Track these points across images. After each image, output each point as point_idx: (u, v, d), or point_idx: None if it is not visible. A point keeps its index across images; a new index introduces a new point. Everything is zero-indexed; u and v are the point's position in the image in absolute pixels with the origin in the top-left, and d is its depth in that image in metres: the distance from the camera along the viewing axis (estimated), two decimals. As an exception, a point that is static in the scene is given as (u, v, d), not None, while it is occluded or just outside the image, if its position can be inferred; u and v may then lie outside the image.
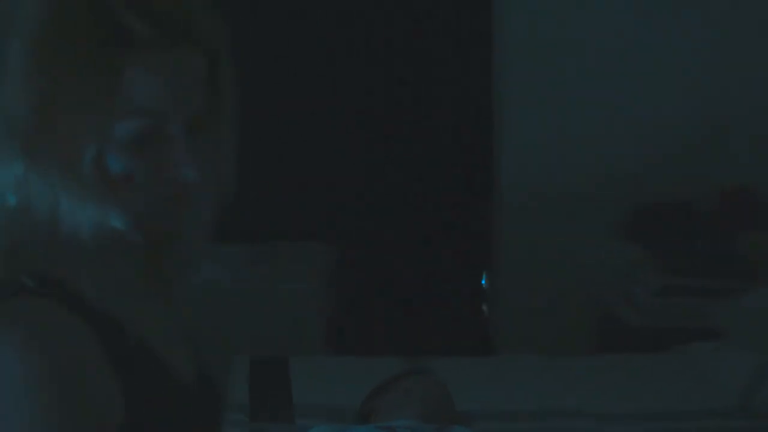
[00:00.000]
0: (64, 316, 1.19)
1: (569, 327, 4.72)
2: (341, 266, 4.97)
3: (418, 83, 5.16)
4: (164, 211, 1.26)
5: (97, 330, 1.20)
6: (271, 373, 3.44)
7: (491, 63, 4.84)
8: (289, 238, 5.01)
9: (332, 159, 5.16)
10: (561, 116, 4.69)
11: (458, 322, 5.21)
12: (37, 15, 1.19)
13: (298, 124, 5.10)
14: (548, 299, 4.75)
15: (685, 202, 4.57)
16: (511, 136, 4.75)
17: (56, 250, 1.22)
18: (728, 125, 4.68)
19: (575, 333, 4.69)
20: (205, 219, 1.36)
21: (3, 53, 1.20)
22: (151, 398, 1.24)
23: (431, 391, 2.77)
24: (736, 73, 4.66)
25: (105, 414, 1.18)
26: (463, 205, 5.25)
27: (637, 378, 3.48)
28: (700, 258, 4.33)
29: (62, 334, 1.18)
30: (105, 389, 1.19)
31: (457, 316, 5.24)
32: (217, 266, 4.61)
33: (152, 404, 1.24)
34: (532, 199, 4.73)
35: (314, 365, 3.61)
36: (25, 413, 1.14)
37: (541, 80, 4.67)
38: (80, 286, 1.22)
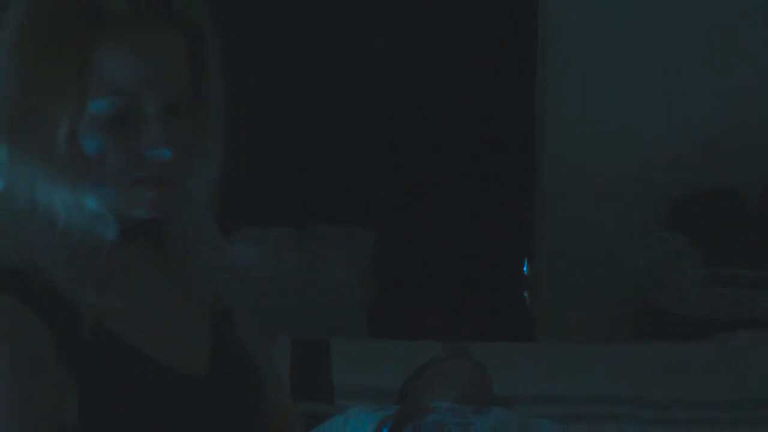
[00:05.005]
0: (17, 312, 1.20)
1: (610, 315, 4.71)
2: (383, 251, 4.99)
3: (459, 68, 5.16)
4: (142, 195, 1.25)
5: (55, 323, 1.21)
6: (312, 354, 3.46)
7: (535, 49, 4.84)
8: (330, 223, 5.03)
9: (374, 144, 5.17)
10: (605, 103, 4.67)
11: (499, 308, 5.21)
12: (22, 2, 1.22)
13: (341, 110, 5.12)
14: (589, 287, 4.74)
15: (728, 191, 4.54)
16: (554, 122, 4.75)
17: (32, 234, 1.23)
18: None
19: (616, 321, 4.68)
20: (196, 203, 1.36)
21: None
22: (122, 389, 1.23)
23: (470, 374, 2.78)
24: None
25: (57, 405, 1.20)
26: (506, 191, 5.25)
27: (676, 366, 3.47)
28: (743, 247, 4.31)
29: (16, 329, 1.19)
30: (58, 384, 1.20)
31: (498, 302, 5.25)
32: (260, 250, 4.65)
33: (125, 395, 1.24)
34: (574, 186, 4.72)
35: (355, 348, 3.63)
36: None
37: (586, 68, 4.66)
38: (52, 274, 1.23)
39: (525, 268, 5.30)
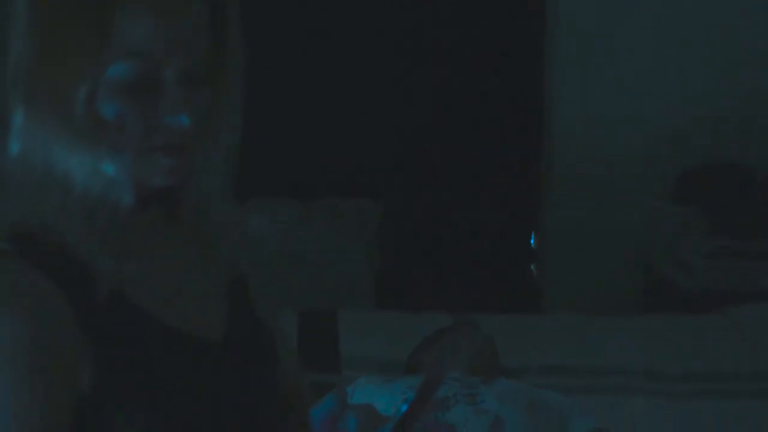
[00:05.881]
0: (34, 279, 1.18)
1: (618, 288, 4.71)
2: (390, 223, 4.99)
3: (466, 37, 5.14)
4: (160, 162, 1.23)
5: (70, 289, 1.19)
6: (319, 325, 3.47)
7: (545, 21, 4.82)
8: (338, 194, 5.03)
9: (381, 116, 5.16)
10: (614, 75, 4.65)
11: (507, 280, 5.22)
12: None
13: (348, 82, 5.11)
14: (597, 260, 4.74)
15: (736, 164, 4.53)
16: (562, 94, 4.73)
17: (48, 199, 1.21)
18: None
19: (623, 294, 4.68)
20: (213, 172, 1.33)
21: (10, 6, 1.21)
22: (136, 356, 1.22)
23: (477, 345, 2.78)
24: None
25: (73, 374, 1.18)
26: (514, 164, 5.24)
27: (685, 338, 3.47)
28: (750, 221, 4.30)
29: (32, 298, 1.17)
30: (73, 350, 1.18)
31: (506, 274, 5.25)
32: (268, 222, 4.65)
33: (139, 361, 1.22)
34: (582, 158, 4.71)
35: (362, 319, 3.63)
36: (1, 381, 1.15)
37: (594, 39, 4.64)
38: (68, 239, 1.21)
39: (532, 241, 5.30)
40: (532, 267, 5.30)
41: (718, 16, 4.59)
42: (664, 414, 2.96)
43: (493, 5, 5.14)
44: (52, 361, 1.16)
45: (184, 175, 1.27)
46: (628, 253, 4.70)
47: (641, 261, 4.65)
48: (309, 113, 5.10)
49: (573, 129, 4.72)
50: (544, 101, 4.88)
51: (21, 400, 1.14)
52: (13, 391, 1.14)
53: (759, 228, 4.26)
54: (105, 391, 1.20)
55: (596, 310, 4.13)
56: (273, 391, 1.41)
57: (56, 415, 1.16)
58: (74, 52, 1.17)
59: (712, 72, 4.61)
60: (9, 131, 1.22)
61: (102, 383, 1.20)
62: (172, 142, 1.22)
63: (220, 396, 1.30)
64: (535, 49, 4.91)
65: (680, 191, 4.58)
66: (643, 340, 3.44)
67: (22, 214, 1.22)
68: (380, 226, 4.87)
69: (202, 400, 1.27)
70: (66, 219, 1.22)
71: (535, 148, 5.01)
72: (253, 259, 1.45)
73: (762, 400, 3.04)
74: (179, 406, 1.24)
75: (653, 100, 4.64)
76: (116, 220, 1.25)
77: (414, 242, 5.22)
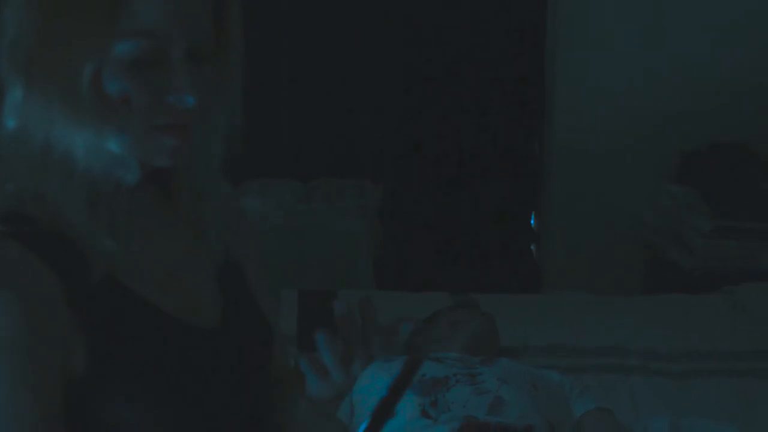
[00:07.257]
0: (25, 260, 1.17)
1: (618, 267, 4.71)
2: (391, 204, 4.98)
3: (467, 20, 5.12)
4: (163, 142, 1.22)
5: (62, 271, 1.18)
6: (319, 305, 3.46)
7: (545, 3, 4.80)
8: (338, 175, 5.02)
9: (383, 97, 5.15)
10: (616, 55, 4.64)
11: (507, 260, 5.21)
12: None
13: (349, 63, 5.09)
14: (597, 240, 4.74)
15: (738, 144, 4.52)
16: (563, 74, 4.72)
17: (47, 178, 1.20)
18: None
19: (624, 273, 4.68)
20: (214, 152, 1.32)
21: None
22: (129, 340, 1.21)
23: (478, 324, 2.78)
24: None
25: (65, 357, 1.17)
26: (514, 144, 5.23)
27: (685, 318, 3.47)
28: (751, 201, 4.30)
29: (23, 280, 1.16)
30: (66, 334, 1.17)
31: (506, 254, 5.25)
32: (268, 202, 4.64)
33: (132, 346, 1.21)
34: (583, 138, 4.71)
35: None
36: None
37: (597, 20, 4.62)
38: (66, 220, 1.20)
39: (532, 221, 5.29)
40: (532, 247, 5.30)
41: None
42: (664, 393, 2.96)
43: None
44: (43, 345, 1.15)
45: (185, 155, 1.26)
46: (629, 233, 4.70)
47: (642, 241, 4.65)
48: (310, 93, 5.09)
49: (574, 109, 4.71)
50: (545, 81, 4.87)
51: (12, 383, 1.13)
52: (4, 374, 1.13)
53: (759, 208, 4.26)
54: (98, 374, 1.19)
55: (597, 290, 4.13)
56: (265, 375, 1.40)
57: (48, 398, 1.15)
58: (82, 31, 1.15)
59: (715, 52, 4.60)
60: (3, 107, 1.20)
61: (95, 367, 1.18)
62: (176, 121, 1.21)
63: (213, 380, 1.29)
64: (536, 28, 4.90)
65: (681, 171, 4.57)
66: (643, 319, 3.44)
67: (17, 192, 1.20)
68: (381, 207, 4.86)
69: (195, 384, 1.26)
70: (67, 197, 1.20)
71: (536, 128, 5.00)
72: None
73: (762, 378, 3.04)
74: (172, 390, 1.23)
75: (655, 80, 4.63)
76: (117, 200, 1.24)
77: (414, 223, 5.21)
